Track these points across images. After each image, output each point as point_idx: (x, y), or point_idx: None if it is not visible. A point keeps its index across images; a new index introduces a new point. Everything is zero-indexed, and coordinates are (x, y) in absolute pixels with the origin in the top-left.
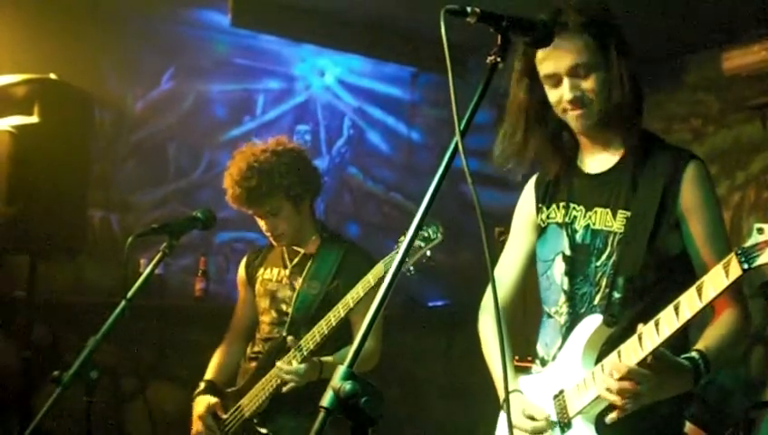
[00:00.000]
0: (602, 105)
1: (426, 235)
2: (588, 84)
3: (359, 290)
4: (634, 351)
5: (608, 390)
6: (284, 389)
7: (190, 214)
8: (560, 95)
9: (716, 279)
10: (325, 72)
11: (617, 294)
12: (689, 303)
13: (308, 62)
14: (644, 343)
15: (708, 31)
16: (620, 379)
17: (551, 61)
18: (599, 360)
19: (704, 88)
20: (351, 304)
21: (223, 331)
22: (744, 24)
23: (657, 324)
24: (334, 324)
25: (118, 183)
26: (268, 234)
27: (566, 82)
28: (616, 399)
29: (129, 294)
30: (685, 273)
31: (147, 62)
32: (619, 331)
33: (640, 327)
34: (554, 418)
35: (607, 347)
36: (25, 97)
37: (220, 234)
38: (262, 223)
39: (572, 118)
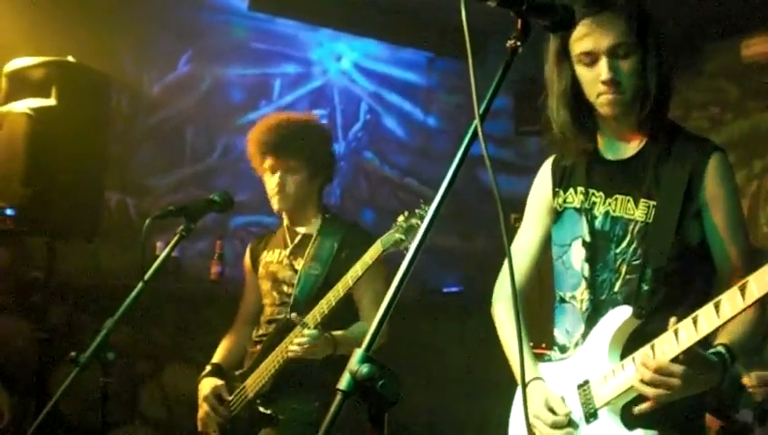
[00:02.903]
0: (634, 91)
1: (406, 214)
2: (625, 66)
3: (357, 269)
4: (669, 346)
5: (643, 382)
6: (295, 355)
7: (207, 197)
8: (596, 74)
9: (763, 279)
10: (342, 57)
11: (645, 286)
12: (731, 302)
13: (325, 47)
14: (680, 339)
15: (727, 19)
16: (655, 373)
17: (591, 38)
18: (625, 351)
19: (723, 76)
20: (351, 283)
21: None
22: (763, 11)
23: (695, 321)
24: (334, 304)
25: (134, 166)
26: (274, 191)
27: (604, 60)
28: (650, 391)
29: (146, 276)
30: (703, 262)
31: (164, 45)
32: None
33: (673, 322)
34: (578, 409)
35: (633, 338)
36: (43, 80)
37: (236, 217)
38: (272, 179)
39: (605, 101)
